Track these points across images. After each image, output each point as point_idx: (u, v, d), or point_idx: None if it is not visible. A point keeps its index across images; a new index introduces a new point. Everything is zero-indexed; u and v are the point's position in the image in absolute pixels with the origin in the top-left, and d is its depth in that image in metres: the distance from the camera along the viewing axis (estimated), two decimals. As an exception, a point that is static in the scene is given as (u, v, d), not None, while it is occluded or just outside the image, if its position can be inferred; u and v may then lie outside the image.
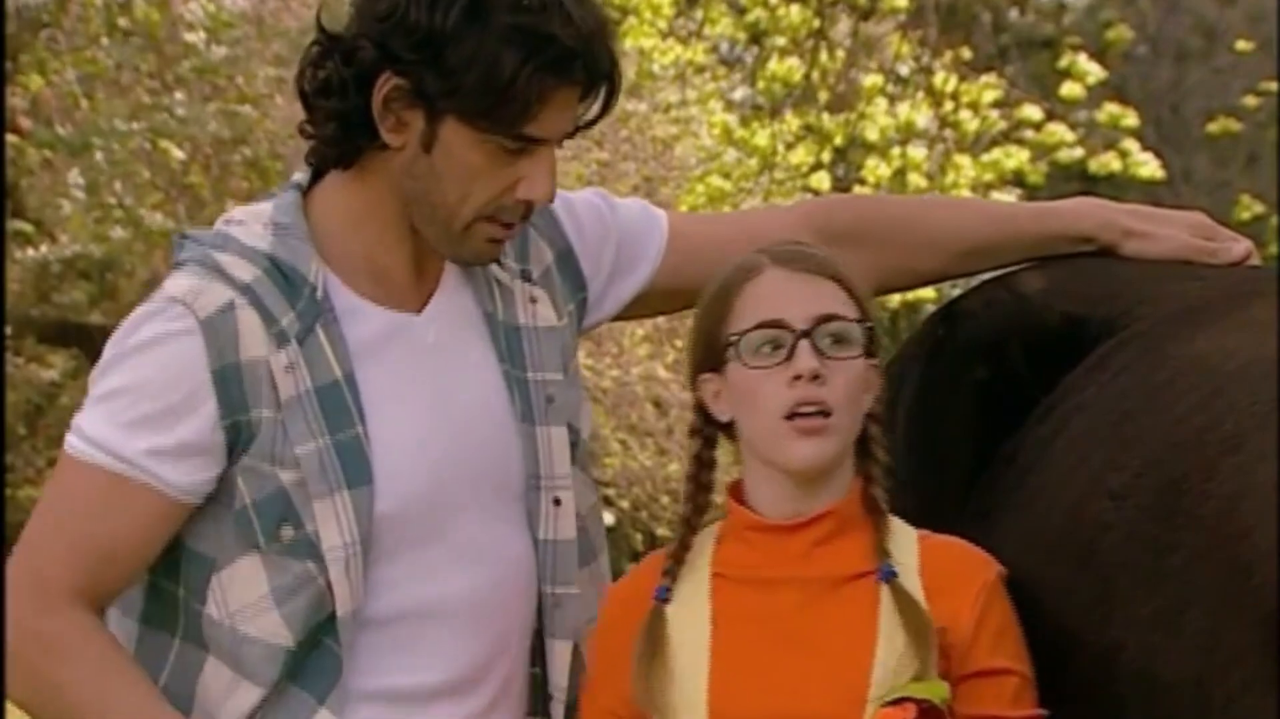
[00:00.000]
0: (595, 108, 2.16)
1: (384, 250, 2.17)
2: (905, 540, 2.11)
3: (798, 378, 2.08)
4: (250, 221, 2.16)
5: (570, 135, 2.15)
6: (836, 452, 2.11)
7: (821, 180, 11.19)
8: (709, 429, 2.20)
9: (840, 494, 2.12)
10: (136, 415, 2.09)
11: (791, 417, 2.09)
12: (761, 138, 10.94)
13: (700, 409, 2.20)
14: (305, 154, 2.22)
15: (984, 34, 12.92)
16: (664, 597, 2.14)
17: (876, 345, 2.15)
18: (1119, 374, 2.18)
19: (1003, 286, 2.42)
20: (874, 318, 2.14)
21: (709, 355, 2.16)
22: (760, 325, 2.11)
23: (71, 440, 2.13)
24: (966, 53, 11.34)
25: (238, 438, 2.10)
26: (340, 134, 2.14)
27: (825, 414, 2.09)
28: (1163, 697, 1.90)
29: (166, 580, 2.16)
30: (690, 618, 2.13)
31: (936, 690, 2.01)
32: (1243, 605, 1.85)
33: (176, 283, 2.14)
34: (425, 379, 2.19)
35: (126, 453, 2.09)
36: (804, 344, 2.09)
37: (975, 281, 2.48)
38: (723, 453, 2.23)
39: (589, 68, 2.12)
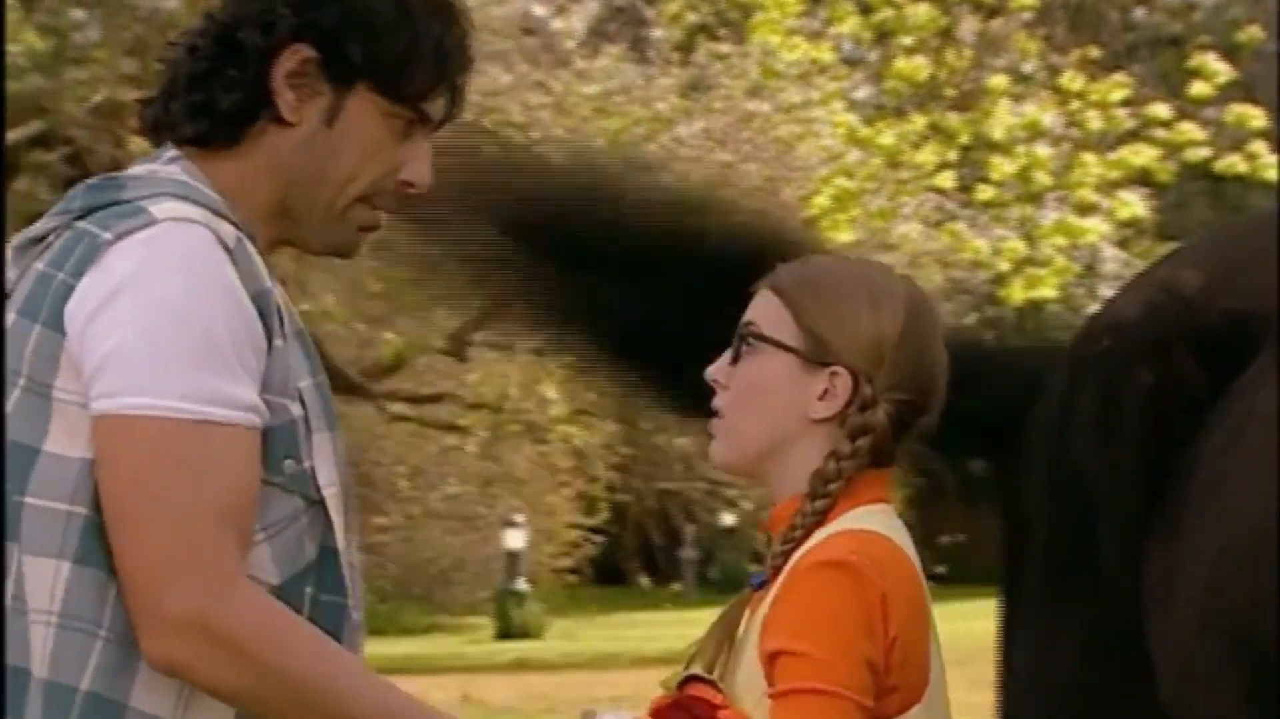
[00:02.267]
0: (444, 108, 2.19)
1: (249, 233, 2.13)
2: (811, 543, 2.14)
3: None
4: (182, 178, 2.10)
5: (435, 129, 2.19)
6: (731, 452, 2.21)
7: (947, 179, 11.15)
8: None
9: (784, 496, 2.18)
10: (224, 355, 1.99)
11: None
12: (887, 137, 10.90)
13: None
14: (174, 128, 2.12)
15: (1111, 32, 12.78)
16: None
17: (810, 352, 2.17)
18: None
19: (1160, 288, 2.37)
20: (814, 328, 2.17)
21: None
22: None
23: (167, 404, 1.97)
24: (1094, 51, 11.24)
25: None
26: (243, 106, 2.11)
27: (722, 415, 2.20)
28: None
29: None
30: None
31: (667, 680, 2.12)
32: None
33: (177, 206, 2.03)
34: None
35: (242, 398, 2.00)
36: (729, 353, 2.21)
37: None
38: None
39: (471, 57, 2.19)
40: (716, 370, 2.22)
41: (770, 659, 2.07)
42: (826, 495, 2.14)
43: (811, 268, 2.24)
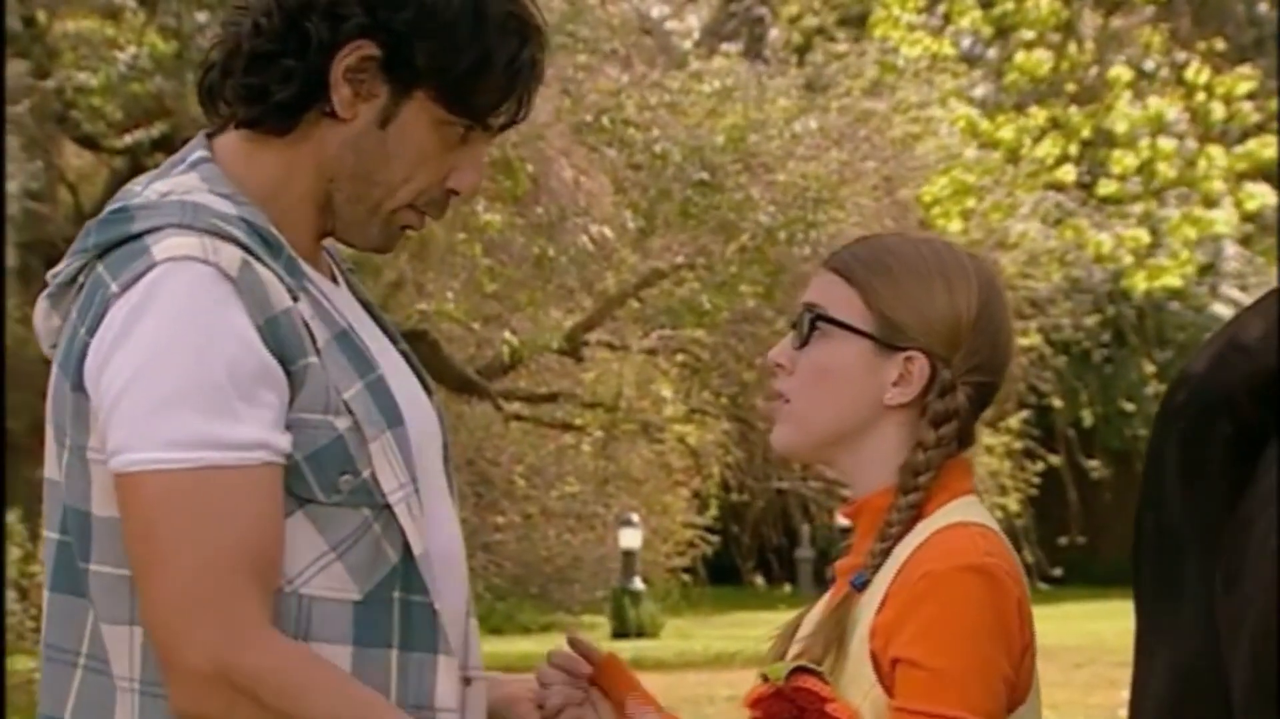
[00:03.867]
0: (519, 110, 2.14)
1: (290, 225, 2.08)
2: (916, 537, 2.08)
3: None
4: (195, 192, 2.04)
5: (493, 135, 2.13)
6: (798, 439, 2.15)
7: (1068, 173, 11.06)
8: None
9: (870, 488, 2.13)
10: (223, 397, 1.95)
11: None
12: (1006, 131, 10.84)
13: None
14: (230, 113, 2.09)
15: (1236, 25, 12.61)
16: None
17: (884, 336, 2.12)
18: None
19: (1225, 339, 2.40)
20: (887, 312, 2.12)
21: None
22: None
23: (163, 456, 1.94)
24: (1220, 44, 11.11)
25: (291, 392, 2.01)
26: (299, 97, 2.05)
27: (787, 400, 2.14)
28: None
29: None
30: None
31: (775, 670, 2.05)
32: None
33: (177, 242, 1.98)
34: (380, 342, 2.15)
35: (246, 438, 1.96)
36: (791, 334, 2.15)
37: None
38: None
39: (542, 72, 2.12)
40: (779, 354, 2.15)
41: (892, 664, 2.02)
42: (918, 489, 2.08)
43: (878, 249, 2.17)
